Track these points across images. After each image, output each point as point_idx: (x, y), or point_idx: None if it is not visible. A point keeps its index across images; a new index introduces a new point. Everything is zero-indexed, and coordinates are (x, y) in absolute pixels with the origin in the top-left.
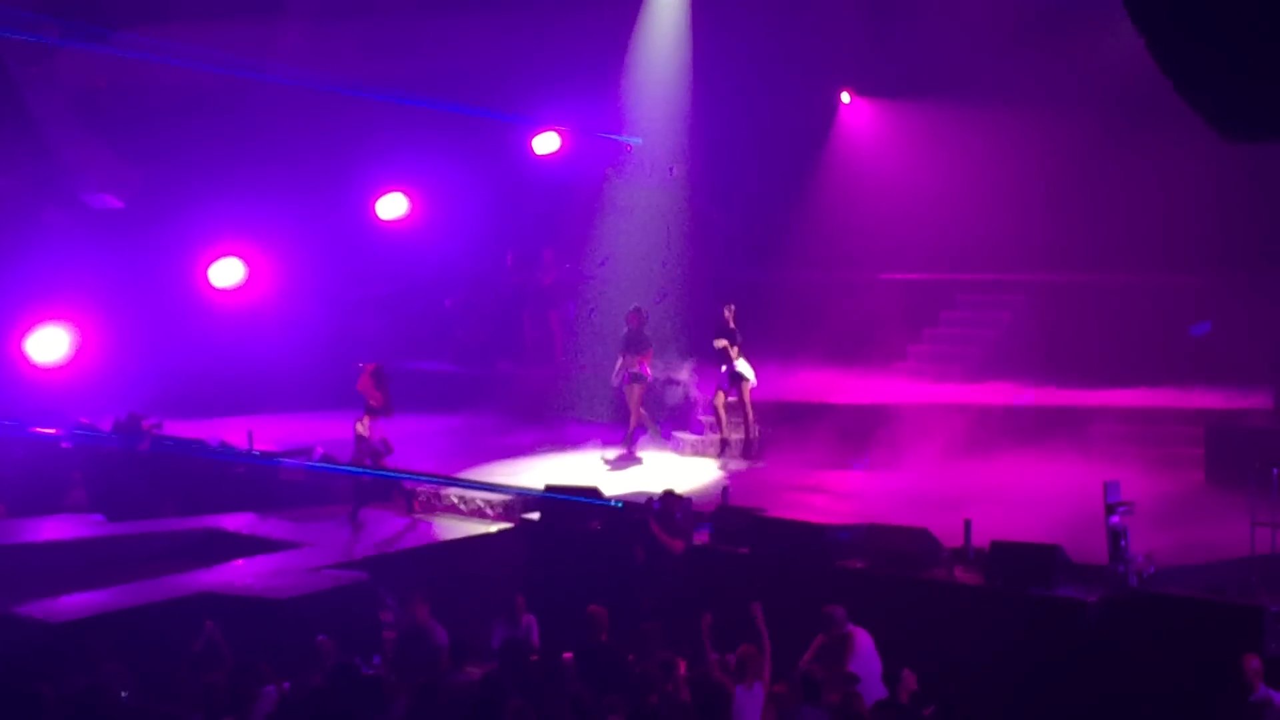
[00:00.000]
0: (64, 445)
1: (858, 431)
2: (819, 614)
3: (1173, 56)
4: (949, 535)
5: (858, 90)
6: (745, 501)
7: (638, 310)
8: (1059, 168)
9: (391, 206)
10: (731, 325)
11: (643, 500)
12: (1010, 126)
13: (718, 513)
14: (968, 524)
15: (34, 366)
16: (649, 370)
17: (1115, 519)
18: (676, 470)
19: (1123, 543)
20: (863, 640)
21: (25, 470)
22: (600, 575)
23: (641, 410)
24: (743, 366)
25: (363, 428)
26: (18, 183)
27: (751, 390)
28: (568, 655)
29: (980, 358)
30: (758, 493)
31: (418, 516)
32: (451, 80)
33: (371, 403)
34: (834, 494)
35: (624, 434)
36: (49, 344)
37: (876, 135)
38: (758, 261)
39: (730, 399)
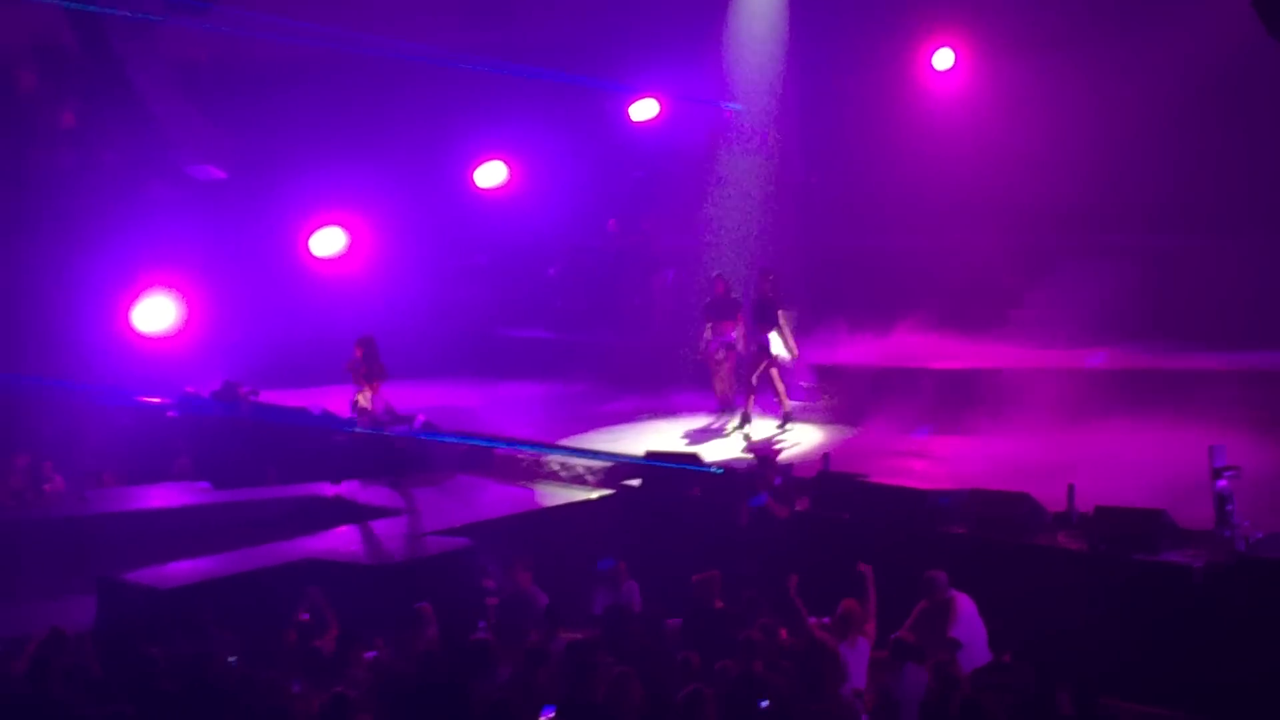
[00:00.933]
0: (170, 414)
1: (958, 397)
2: (920, 580)
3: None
4: (1051, 500)
5: (957, 50)
6: (846, 467)
7: (721, 277)
8: (1165, 128)
9: (490, 175)
10: (770, 296)
11: (745, 466)
12: (1115, 86)
13: (819, 478)
14: (1071, 489)
15: (140, 337)
16: (735, 337)
17: (1222, 483)
18: (777, 436)
19: (1229, 507)
20: (965, 605)
21: (133, 439)
22: (701, 541)
23: (735, 379)
24: (773, 340)
25: (364, 400)
26: (122, 156)
27: (792, 362)
28: (674, 621)
29: (1083, 322)
30: (858, 458)
31: (519, 483)
32: (550, 48)
33: (367, 372)
34: (935, 459)
35: (723, 402)
36: (155, 314)
37: (977, 97)
38: (856, 226)
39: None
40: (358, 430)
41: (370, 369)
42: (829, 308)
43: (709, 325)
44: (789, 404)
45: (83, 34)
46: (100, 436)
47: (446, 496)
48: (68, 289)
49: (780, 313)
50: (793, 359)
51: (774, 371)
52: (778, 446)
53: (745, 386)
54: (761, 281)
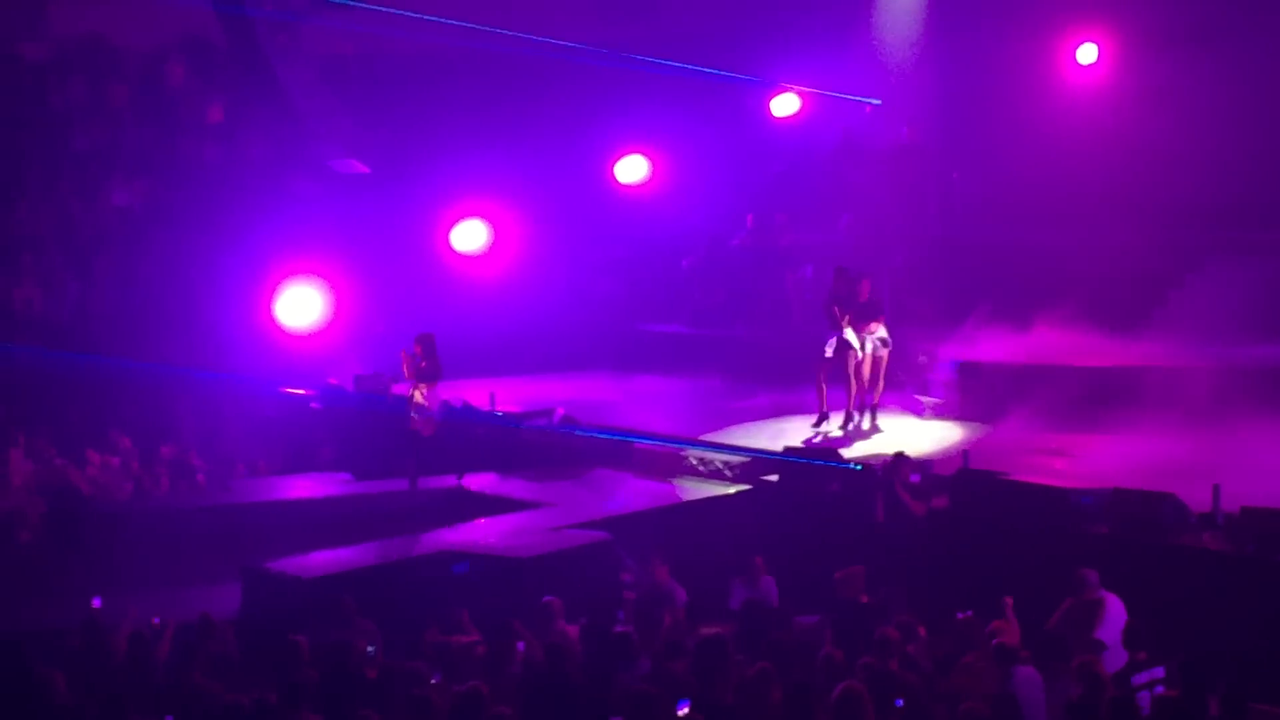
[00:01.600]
0: (313, 406)
1: (1100, 394)
2: (1060, 578)
3: None
4: (1196, 501)
5: (1101, 45)
6: (986, 465)
7: (865, 277)
8: None
9: (630, 169)
10: (858, 295)
11: (883, 462)
12: (1261, 79)
13: (958, 476)
14: (1216, 489)
15: (284, 329)
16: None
17: None
18: (916, 433)
19: None
20: (1114, 606)
21: (276, 430)
22: (838, 537)
23: (864, 378)
24: (850, 336)
25: (420, 396)
26: (268, 150)
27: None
28: (809, 617)
29: (1227, 319)
30: (998, 456)
31: (657, 477)
32: (691, 41)
33: (426, 370)
34: (1076, 457)
35: (856, 400)
36: (298, 307)
37: (1120, 91)
38: (998, 222)
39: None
40: (421, 428)
41: (430, 367)
42: (969, 303)
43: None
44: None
45: (231, 30)
46: (244, 428)
47: (585, 490)
48: (213, 281)
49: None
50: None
51: (864, 370)
52: (917, 444)
53: (859, 385)
54: (862, 281)
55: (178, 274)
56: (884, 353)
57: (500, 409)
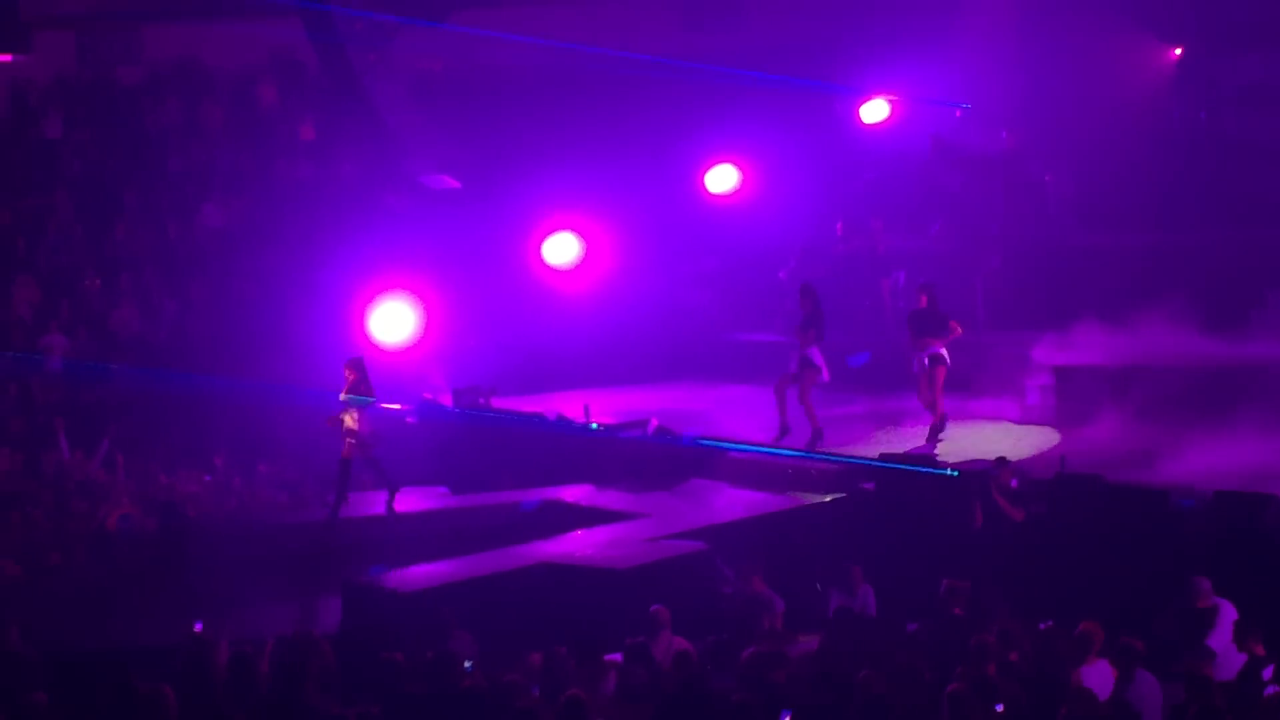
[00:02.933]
0: (408, 420)
1: (1199, 396)
2: (1161, 582)
3: None
4: None
5: (1190, 46)
6: (1084, 469)
7: (926, 288)
8: None
9: (721, 179)
10: (925, 306)
11: (979, 468)
12: None
13: (1056, 480)
14: None
15: (379, 345)
16: (945, 351)
17: None
18: (1011, 438)
19: None
20: (1227, 615)
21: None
22: (936, 544)
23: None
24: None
25: (351, 420)
26: (359, 167)
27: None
28: (912, 626)
29: None
30: (1096, 460)
31: (752, 486)
32: (780, 50)
33: (357, 393)
34: (1176, 460)
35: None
36: (392, 322)
37: (1212, 92)
38: (1093, 225)
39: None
40: (350, 452)
41: (363, 389)
42: (1065, 307)
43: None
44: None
45: (321, 50)
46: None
47: (680, 500)
48: (307, 298)
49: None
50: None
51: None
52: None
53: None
54: (921, 295)
55: (272, 292)
56: (936, 371)
57: (595, 420)
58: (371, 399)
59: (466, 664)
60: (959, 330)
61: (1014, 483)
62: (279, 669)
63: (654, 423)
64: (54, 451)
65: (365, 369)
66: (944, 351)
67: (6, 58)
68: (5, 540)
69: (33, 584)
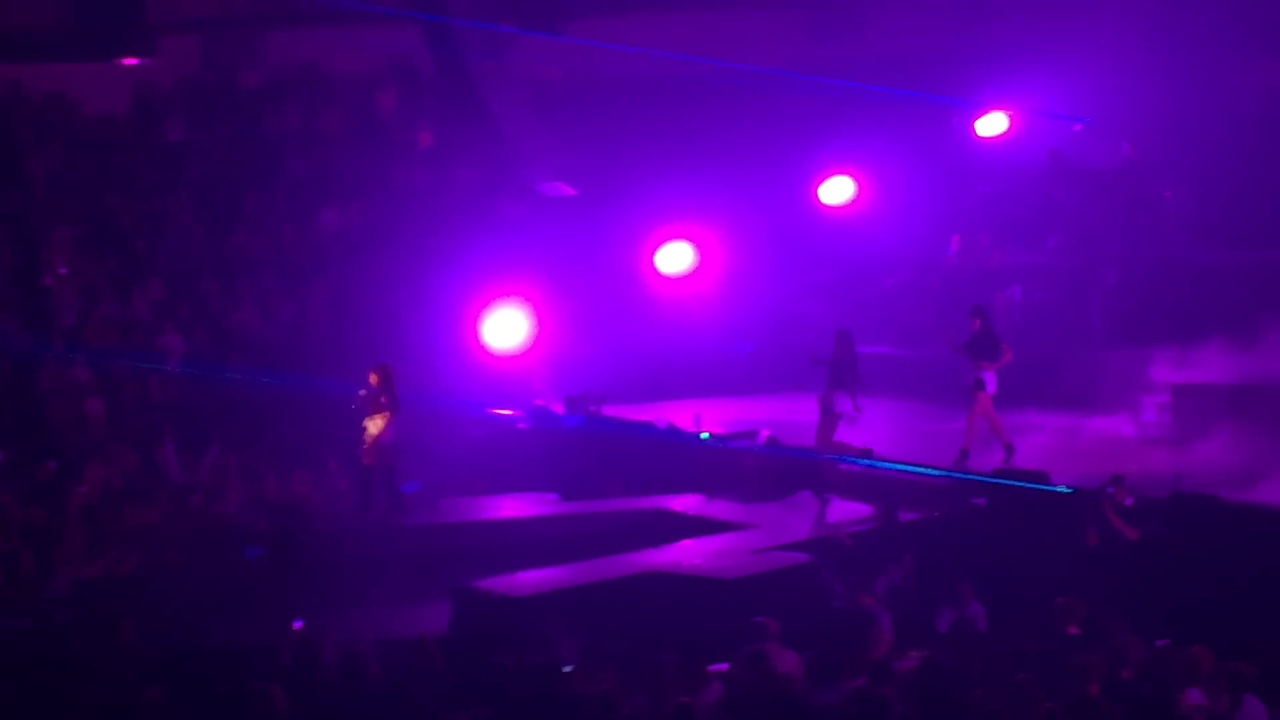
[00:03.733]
0: (520, 426)
1: None
2: (1275, 605)
3: None
4: None
5: None
6: (1201, 488)
7: (977, 310)
8: None
9: (835, 190)
10: (978, 330)
11: (1093, 486)
12: None
13: (1172, 499)
14: None
15: (492, 350)
16: (992, 378)
17: None
18: (1128, 456)
19: None
20: None
21: (484, 450)
22: (1048, 562)
23: (986, 421)
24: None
25: (375, 427)
26: (476, 174)
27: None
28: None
29: None
30: (1214, 479)
31: (862, 499)
32: (896, 61)
33: (381, 401)
34: None
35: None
36: (506, 329)
37: None
38: (1213, 242)
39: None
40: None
41: (387, 399)
42: (1183, 324)
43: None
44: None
45: (440, 57)
46: (453, 448)
47: (789, 511)
48: (423, 303)
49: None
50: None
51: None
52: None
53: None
54: (972, 320)
55: (388, 297)
56: (980, 396)
57: (705, 430)
58: (396, 409)
59: (567, 668)
60: (1010, 354)
61: (1129, 501)
62: (389, 671)
63: (764, 433)
64: (166, 450)
65: (391, 377)
66: (991, 377)
67: (132, 61)
68: (120, 538)
69: (147, 581)
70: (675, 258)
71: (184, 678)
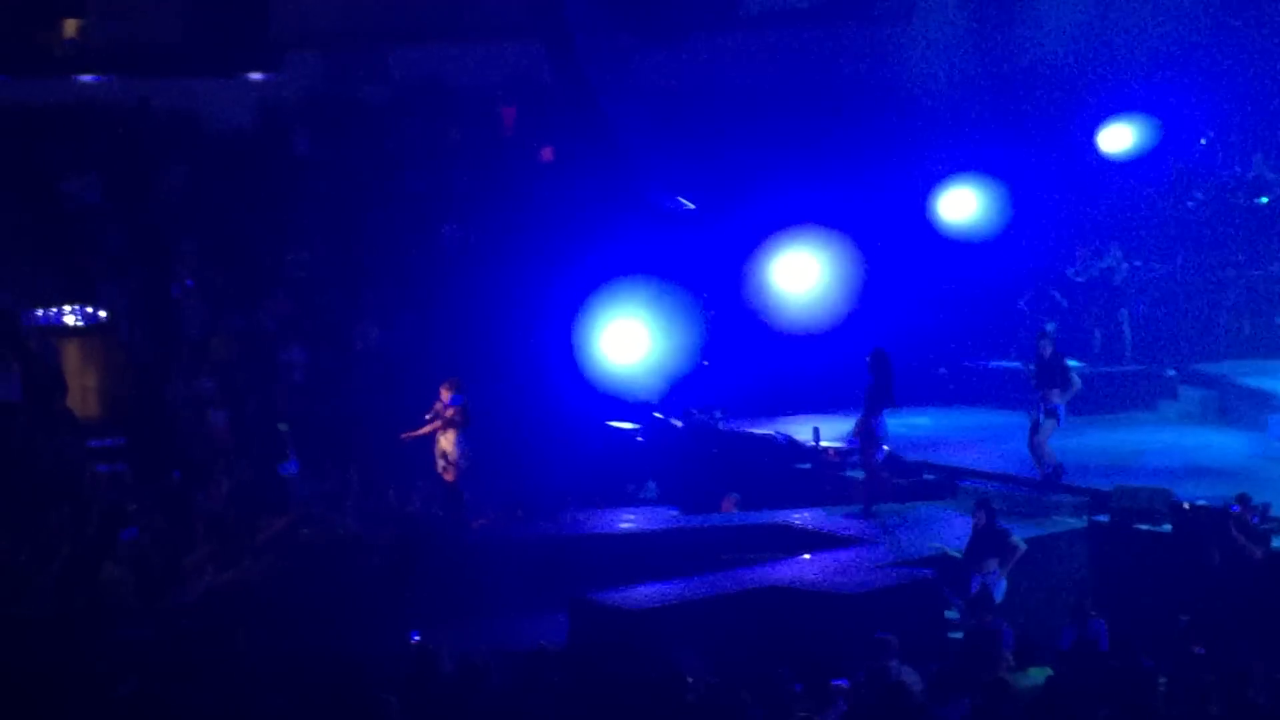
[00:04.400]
0: (639, 440)
1: None
2: None
3: None
4: None
5: None
6: None
7: (1046, 335)
8: None
9: (958, 203)
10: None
11: (1218, 505)
12: None
13: None
14: None
15: (611, 364)
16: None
17: None
18: (1250, 474)
19: None
20: None
21: (603, 462)
22: (1172, 580)
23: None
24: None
25: (446, 442)
26: (596, 188)
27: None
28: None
29: None
30: None
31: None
32: (1022, 74)
33: (455, 418)
34: None
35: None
36: (625, 342)
37: None
38: None
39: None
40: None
41: (458, 414)
42: None
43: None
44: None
45: (560, 70)
46: (572, 461)
47: (909, 527)
48: (542, 317)
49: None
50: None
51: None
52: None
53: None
54: (1040, 342)
55: (507, 310)
56: (1047, 424)
57: (824, 444)
58: (466, 424)
59: (690, 681)
60: (1078, 384)
61: (1255, 520)
62: (508, 682)
63: (885, 448)
64: (288, 462)
65: (461, 392)
66: (1061, 406)
67: (257, 76)
68: (246, 548)
69: (267, 590)
70: (795, 271)
71: (303, 686)
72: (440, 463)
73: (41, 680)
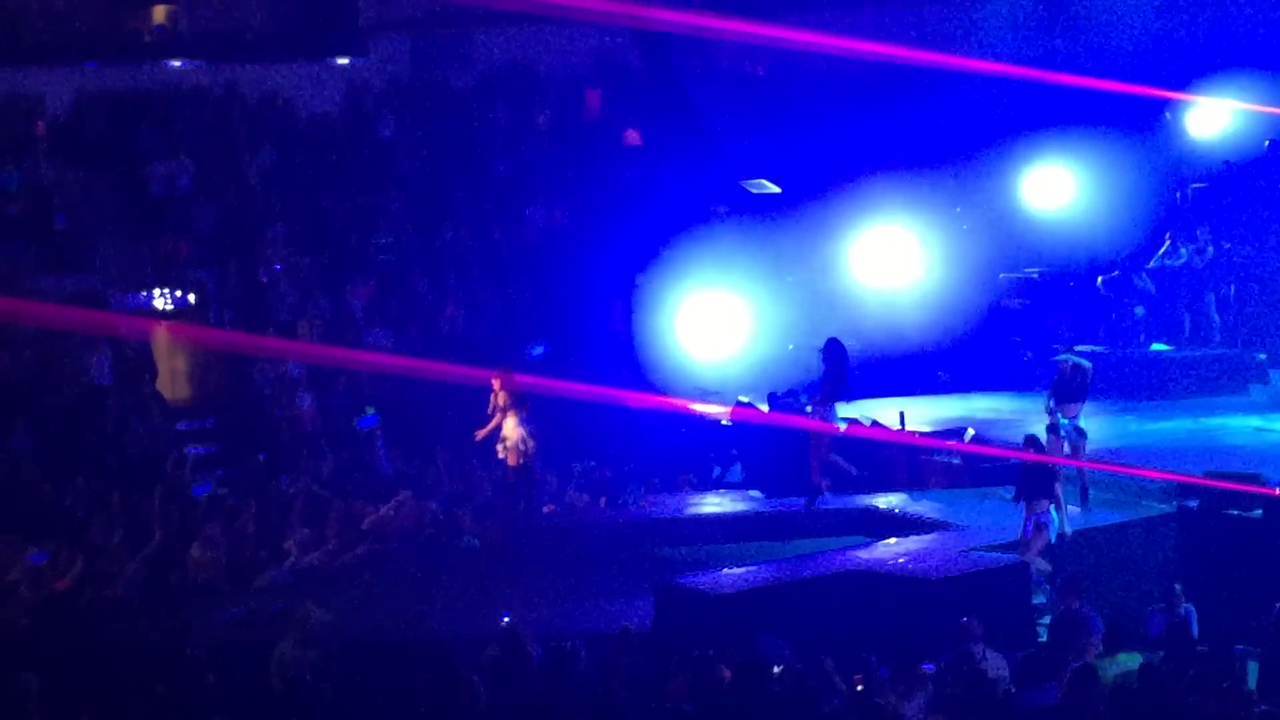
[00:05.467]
0: (725, 423)
1: None
2: None
3: None
4: None
5: None
6: None
7: (1068, 346)
8: None
9: (1044, 186)
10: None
11: None
12: None
13: None
14: None
15: (697, 348)
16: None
17: None
18: None
19: None
20: None
21: (688, 447)
22: (1263, 566)
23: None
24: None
25: (509, 427)
26: (682, 171)
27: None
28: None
29: None
30: None
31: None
32: (1109, 55)
33: (516, 402)
34: None
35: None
36: (711, 327)
37: None
38: None
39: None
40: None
41: (514, 398)
42: None
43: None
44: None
45: (647, 54)
46: (657, 445)
47: (997, 511)
48: (627, 301)
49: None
50: None
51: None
52: None
53: None
54: (1062, 360)
55: (592, 294)
56: (1080, 443)
57: (910, 428)
58: (525, 408)
59: (776, 669)
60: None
61: None
62: (594, 665)
63: (970, 431)
64: (374, 448)
65: (514, 378)
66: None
67: (345, 61)
68: (336, 530)
69: (350, 573)
70: (879, 253)
71: (388, 667)
72: (500, 448)
73: (133, 662)
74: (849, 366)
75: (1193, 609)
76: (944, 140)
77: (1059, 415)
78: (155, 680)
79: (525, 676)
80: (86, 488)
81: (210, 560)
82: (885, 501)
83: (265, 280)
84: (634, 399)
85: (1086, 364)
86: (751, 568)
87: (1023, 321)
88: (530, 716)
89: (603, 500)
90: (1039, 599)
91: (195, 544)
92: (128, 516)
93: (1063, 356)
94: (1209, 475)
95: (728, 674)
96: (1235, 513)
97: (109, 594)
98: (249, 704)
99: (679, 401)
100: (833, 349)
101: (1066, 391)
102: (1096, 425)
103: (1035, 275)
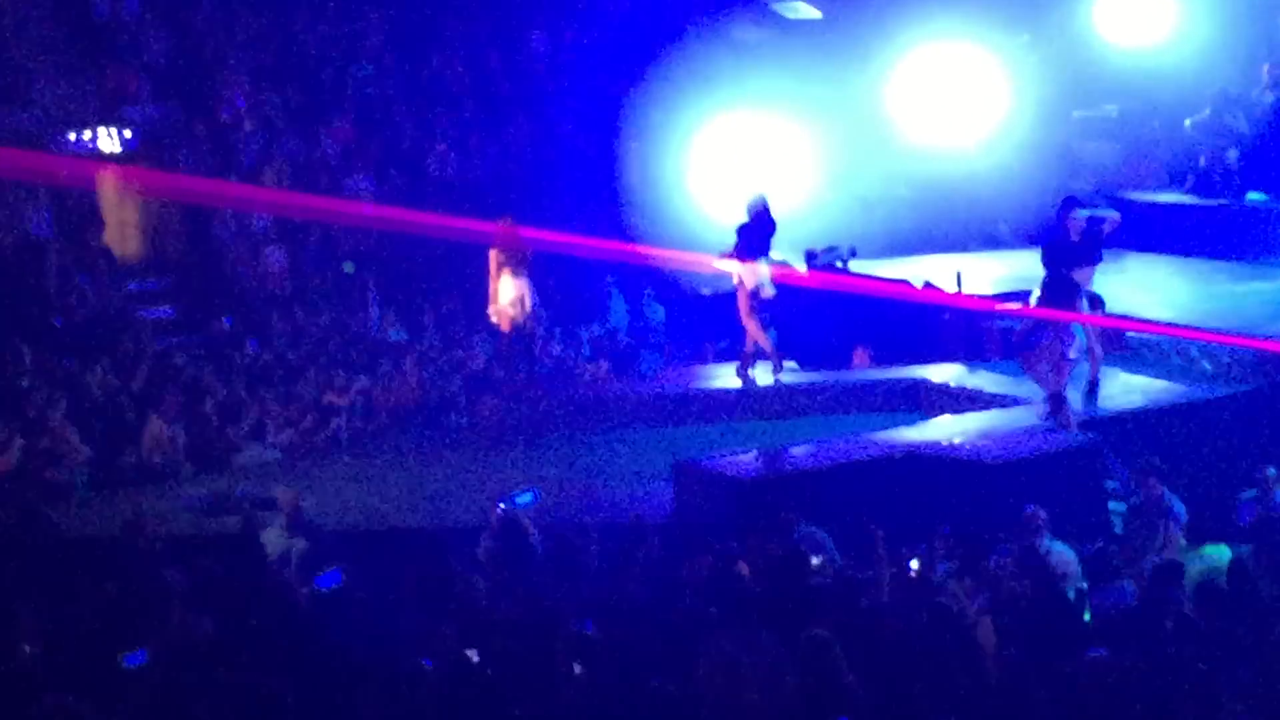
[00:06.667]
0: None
1: None
2: None
3: None
4: None
5: None
6: None
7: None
8: None
9: (1121, 16)
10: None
11: None
12: None
13: None
14: None
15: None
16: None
17: None
18: None
19: None
20: None
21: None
22: None
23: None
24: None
25: (505, 286)
26: None
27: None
28: None
29: None
30: None
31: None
32: None
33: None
34: None
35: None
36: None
37: None
38: None
39: None
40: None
41: (515, 253)
42: None
43: None
44: None
45: None
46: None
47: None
48: (642, 142)
49: None
50: None
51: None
52: None
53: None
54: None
55: (603, 135)
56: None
57: (968, 290)
58: (525, 265)
59: (815, 560)
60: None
61: None
62: (603, 558)
63: (1036, 292)
64: (364, 312)
65: (518, 232)
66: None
67: None
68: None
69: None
70: (929, 84)
71: (379, 559)
72: (491, 311)
73: (80, 553)
74: (772, 225)
75: None
76: None
77: None
78: (105, 575)
79: (526, 572)
80: (26, 355)
81: (168, 439)
82: (938, 374)
83: (226, 119)
84: (652, 256)
85: (1114, 214)
86: (784, 449)
87: (1095, 165)
88: (531, 610)
89: (608, 368)
90: (1112, 484)
91: (150, 420)
92: (74, 388)
93: (1083, 213)
94: None
95: (745, 569)
96: None
97: (52, 476)
98: (219, 604)
99: (703, 258)
100: (756, 206)
101: (1075, 254)
102: (1181, 286)
103: (1114, 113)
